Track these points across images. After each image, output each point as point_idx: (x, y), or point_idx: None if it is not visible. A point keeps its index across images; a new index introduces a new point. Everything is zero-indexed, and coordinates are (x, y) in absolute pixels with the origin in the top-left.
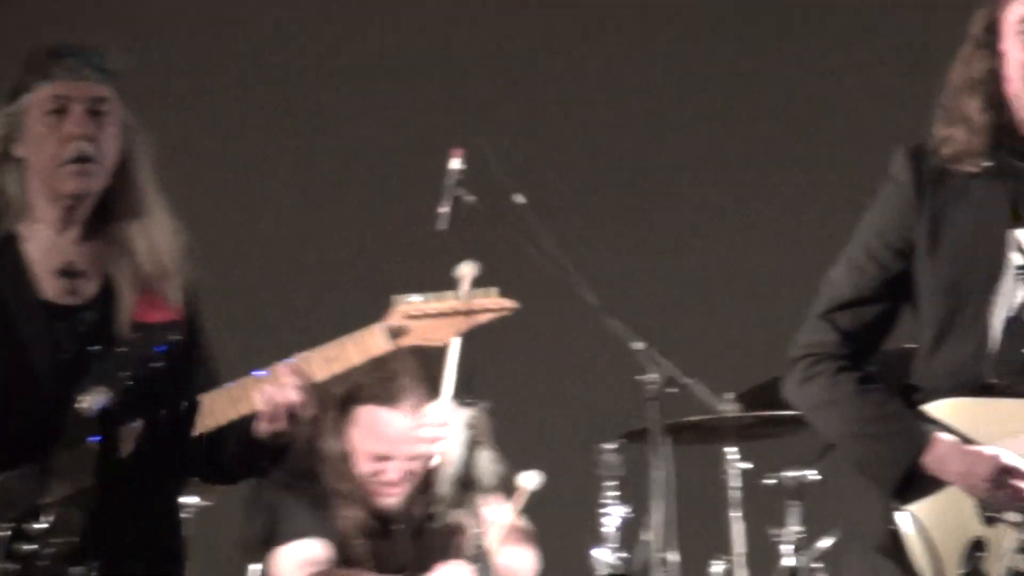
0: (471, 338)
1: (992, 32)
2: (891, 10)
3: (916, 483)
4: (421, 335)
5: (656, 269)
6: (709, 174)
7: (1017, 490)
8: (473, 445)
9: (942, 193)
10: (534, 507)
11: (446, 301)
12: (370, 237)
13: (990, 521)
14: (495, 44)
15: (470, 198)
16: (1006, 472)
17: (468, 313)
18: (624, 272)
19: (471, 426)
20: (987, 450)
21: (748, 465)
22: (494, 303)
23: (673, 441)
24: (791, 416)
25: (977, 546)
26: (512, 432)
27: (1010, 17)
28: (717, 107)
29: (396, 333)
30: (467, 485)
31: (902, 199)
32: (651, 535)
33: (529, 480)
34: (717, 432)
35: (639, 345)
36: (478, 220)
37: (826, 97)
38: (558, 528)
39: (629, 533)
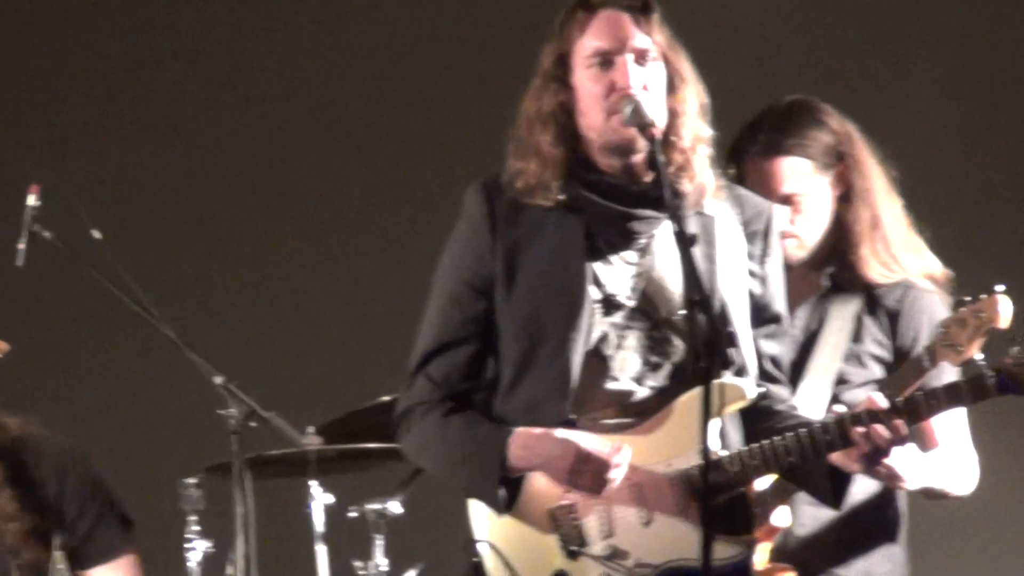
0: None
1: (562, 66)
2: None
3: (520, 496)
4: None
5: (234, 302)
6: (291, 210)
7: (594, 476)
8: None
9: (517, 229)
10: None
11: None
12: None
13: (573, 555)
14: (76, 75)
15: (47, 234)
16: (581, 458)
17: None
18: (203, 306)
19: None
20: (562, 434)
21: (331, 498)
22: None
23: (255, 475)
24: (373, 449)
25: None
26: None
27: (581, 52)
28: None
29: None
30: None
31: (477, 237)
32: (234, 570)
33: None
34: (299, 465)
35: (218, 379)
36: (56, 256)
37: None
38: (144, 563)
39: (213, 568)
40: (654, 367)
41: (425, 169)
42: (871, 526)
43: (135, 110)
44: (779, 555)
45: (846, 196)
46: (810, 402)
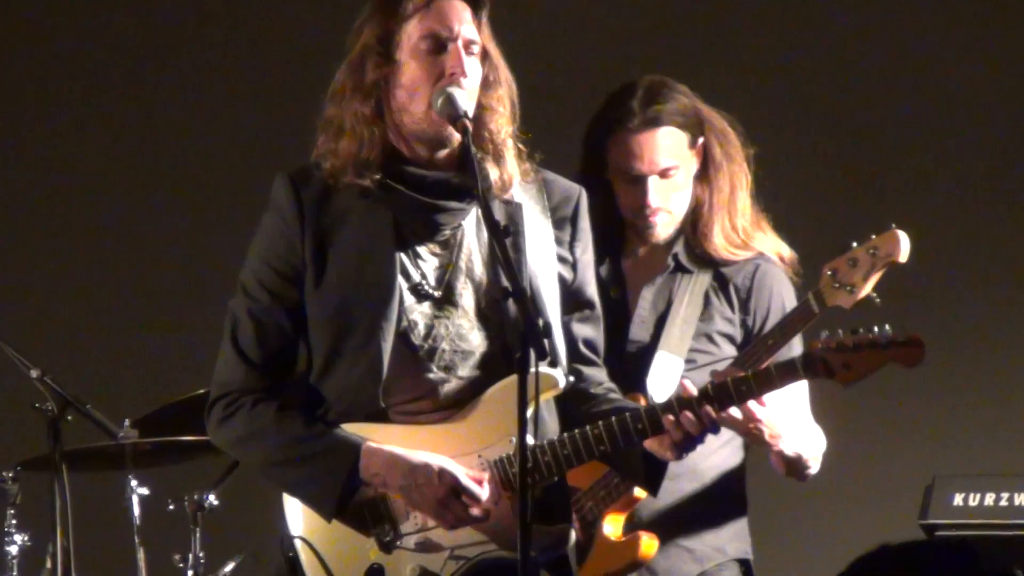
0: None
1: (387, 43)
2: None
3: (355, 501)
4: None
5: (51, 292)
6: (113, 198)
7: (462, 510)
8: None
9: (325, 217)
10: None
11: None
12: None
13: (387, 548)
14: None
15: None
16: (455, 493)
17: None
18: (18, 296)
19: None
20: (431, 459)
21: (146, 491)
22: None
23: (73, 468)
24: (189, 442)
25: (376, 572)
26: None
27: (411, 30)
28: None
29: None
30: None
31: (285, 225)
32: (52, 563)
33: None
34: (116, 458)
35: (34, 372)
36: None
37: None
38: None
39: (30, 561)
40: (464, 356)
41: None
42: (723, 501)
43: None
44: (634, 527)
45: (702, 171)
46: (662, 383)
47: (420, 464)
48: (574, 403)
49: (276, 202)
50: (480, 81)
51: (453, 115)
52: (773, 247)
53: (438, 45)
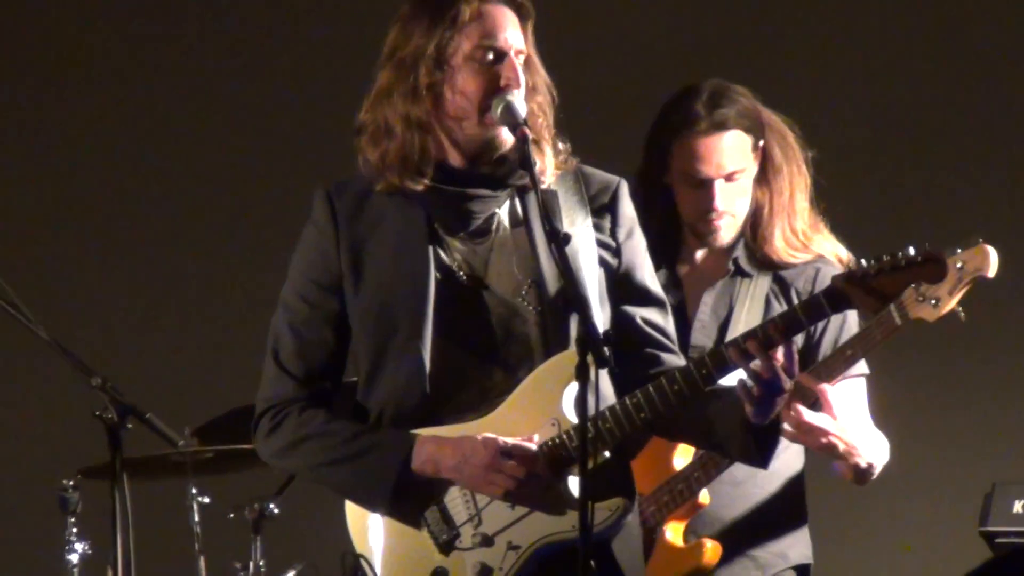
0: None
1: (440, 49)
2: None
3: (410, 492)
4: None
5: (111, 302)
6: (169, 209)
7: (514, 468)
8: None
9: (360, 224)
10: None
11: None
12: None
13: (446, 549)
14: None
15: None
16: (504, 453)
17: None
18: (79, 306)
19: None
20: (478, 436)
21: (207, 500)
22: None
23: (133, 476)
24: (249, 450)
25: (441, 574)
26: None
27: (465, 38)
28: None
29: None
30: None
31: (321, 236)
32: (113, 571)
33: None
34: (177, 467)
35: (95, 380)
36: None
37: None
38: (19, 566)
39: (91, 570)
40: (503, 345)
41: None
42: (786, 507)
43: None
44: (696, 534)
45: (761, 173)
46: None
47: (465, 439)
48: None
49: (314, 216)
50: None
51: (513, 123)
52: (832, 249)
53: (494, 54)
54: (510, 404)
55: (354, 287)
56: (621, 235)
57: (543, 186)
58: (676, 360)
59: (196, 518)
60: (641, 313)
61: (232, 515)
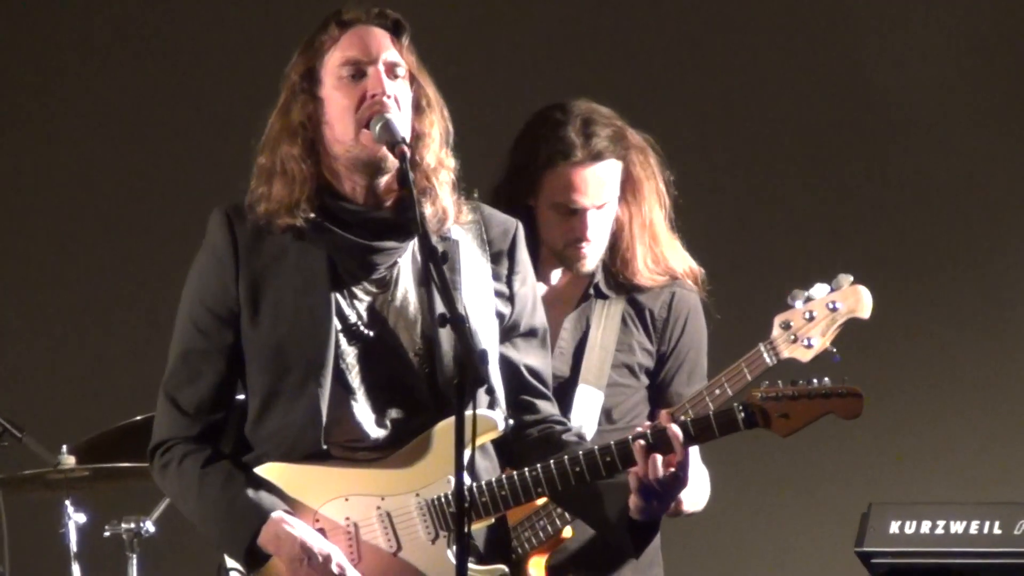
0: None
1: (311, 79)
2: None
3: (260, 555)
4: None
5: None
6: (46, 218)
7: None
8: None
9: (261, 257)
10: None
11: None
12: None
13: None
14: None
15: None
16: (307, 552)
17: None
18: None
19: None
20: (295, 531)
21: (83, 517)
22: None
23: (9, 493)
24: (127, 468)
25: None
26: None
27: (332, 63)
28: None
29: None
30: None
31: (220, 265)
32: None
33: None
34: (54, 484)
35: None
36: None
37: None
38: None
39: None
40: (401, 396)
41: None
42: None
43: None
44: (556, 567)
45: (622, 194)
46: (585, 418)
47: (308, 544)
48: (527, 443)
49: (211, 240)
50: (411, 106)
51: (391, 141)
52: (686, 265)
53: (358, 71)
54: (406, 455)
55: (251, 320)
56: (516, 283)
57: (443, 231)
58: (550, 407)
59: (73, 536)
60: (525, 361)
61: (107, 533)
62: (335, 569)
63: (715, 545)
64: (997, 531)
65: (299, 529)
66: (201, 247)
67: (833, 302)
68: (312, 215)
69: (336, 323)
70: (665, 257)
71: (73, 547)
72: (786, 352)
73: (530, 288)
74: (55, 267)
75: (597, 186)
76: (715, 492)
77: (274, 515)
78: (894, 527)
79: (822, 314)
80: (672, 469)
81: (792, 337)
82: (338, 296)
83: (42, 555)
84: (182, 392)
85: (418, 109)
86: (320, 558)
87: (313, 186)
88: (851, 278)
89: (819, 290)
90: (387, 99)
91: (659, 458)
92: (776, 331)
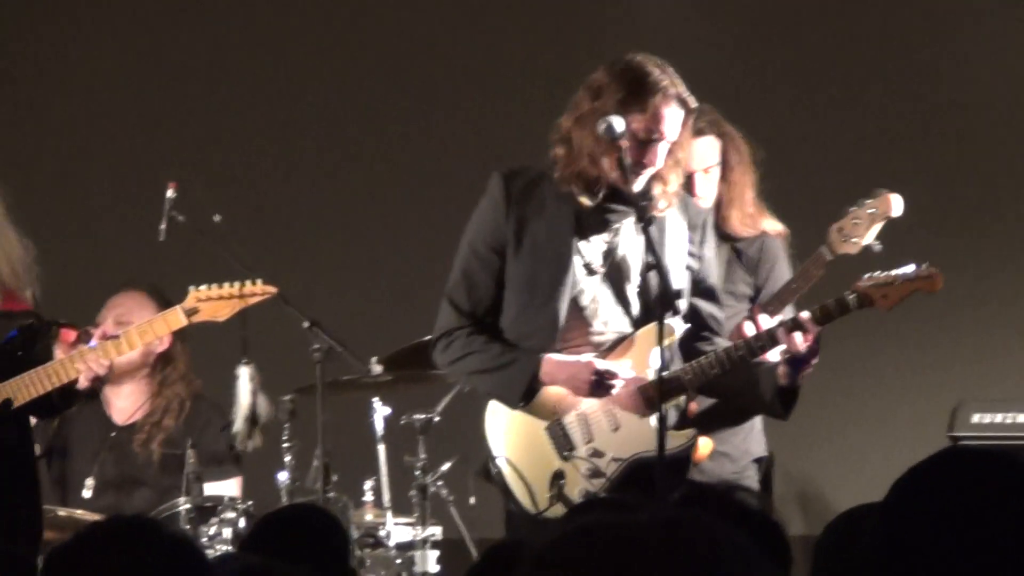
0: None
1: (622, 109)
2: None
3: (536, 395)
4: (209, 313)
5: (319, 266)
6: (366, 192)
7: (610, 385)
8: (255, 392)
9: (526, 208)
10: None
11: (224, 288)
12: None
13: (565, 458)
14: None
15: (181, 217)
16: (600, 374)
17: (242, 297)
18: (293, 269)
19: (252, 378)
20: (583, 358)
21: (388, 410)
22: (260, 289)
23: (333, 393)
24: (419, 374)
25: (559, 475)
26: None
27: (639, 121)
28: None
29: (191, 312)
30: (253, 421)
31: (495, 211)
32: (318, 462)
33: None
34: (365, 386)
35: (306, 323)
36: (187, 234)
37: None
38: (254, 459)
39: (304, 460)
40: (617, 316)
41: (454, 164)
42: (739, 415)
43: (244, 125)
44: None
45: (722, 171)
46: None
47: (574, 361)
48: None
49: (491, 192)
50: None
51: (611, 137)
52: (771, 226)
53: (651, 139)
54: (620, 355)
55: (515, 252)
56: (705, 249)
57: (661, 212)
58: (723, 342)
59: (379, 424)
60: (706, 308)
61: (404, 421)
62: (600, 367)
63: (819, 433)
64: None
65: (567, 359)
66: (482, 198)
67: (872, 207)
68: (598, 197)
69: (577, 261)
70: (754, 218)
71: (379, 432)
72: (841, 249)
73: (713, 256)
74: (365, 230)
75: (703, 156)
76: (831, 391)
77: (545, 356)
78: (976, 418)
79: (864, 218)
80: (808, 343)
81: (843, 238)
82: (579, 242)
83: (356, 439)
84: (462, 298)
85: (671, 151)
86: (584, 361)
87: (595, 181)
88: (885, 190)
89: (862, 202)
90: (652, 167)
91: (798, 335)
92: (832, 235)
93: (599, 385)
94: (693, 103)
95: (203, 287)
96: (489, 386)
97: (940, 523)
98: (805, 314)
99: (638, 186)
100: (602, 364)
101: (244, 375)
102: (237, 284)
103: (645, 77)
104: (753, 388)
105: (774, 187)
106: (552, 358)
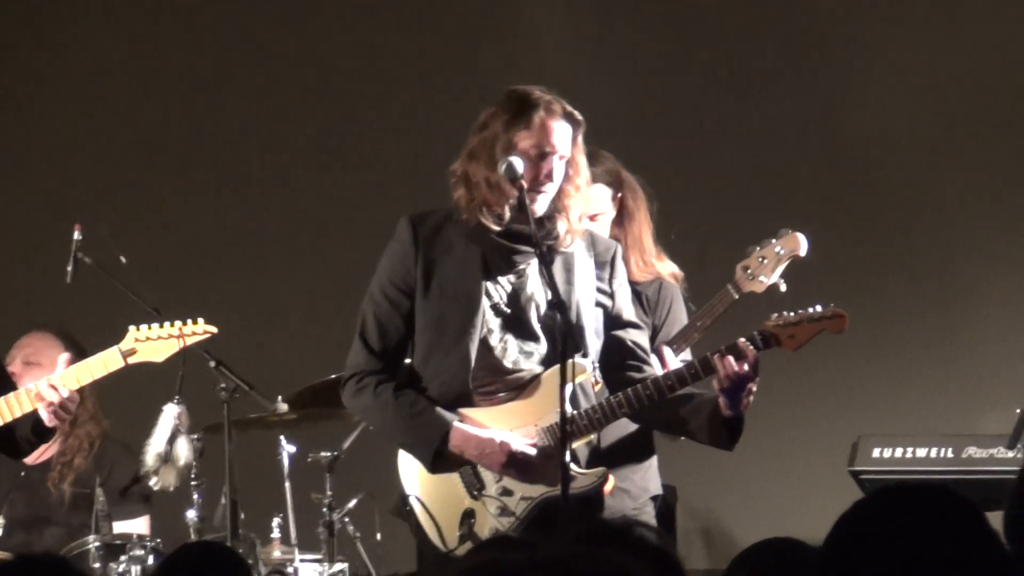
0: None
1: (508, 141)
2: None
3: (446, 458)
4: (147, 354)
5: (225, 304)
6: (269, 224)
7: (523, 464)
8: (176, 432)
9: (434, 249)
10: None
11: (164, 328)
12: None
13: (475, 497)
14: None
15: (88, 259)
16: (512, 456)
17: (181, 337)
18: (199, 307)
19: (177, 417)
20: (496, 435)
21: (294, 447)
22: (201, 330)
23: (239, 432)
24: (324, 411)
25: (468, 514)
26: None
27: (529, 139)
28: None
29: (128, 353)
30: (165, 459)
31: (404, 254)
32: (225, 499)
33: None
34: (272, 424)
35: (212, 362)
36: (94, 275)
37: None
38: (162, 497)
39: (212, 498)
40: (526, 355)
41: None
42: (639, 450)
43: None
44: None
45: (619, 217)
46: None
47: (487, 439)
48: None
49: (399, 235)
50: (563, 176)
51: (512, 177)
52: (668, 268)
53: (542, 155)
54: (527, 397)
55: (423, 293)
56: (615, 284)
57: (567, 247)
58: (651, 370)
59: (285, 461)
60: (629, 336)
61: (311, 459)
62: (514, 448)
63: (731, 466)
64: (950, 455)
65: (477, 430)
66: (390, 242)
67: (779, 247)
68: (499, 227)
69: (485, 301)
70: (651, 262)
71: (286, 469)
72: (747, 287)
73: (626, 289)
74: (273, 266)
75: (589, 204)
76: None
77: (455, 423)
78: (876, 452)
79: (770, 257)
80: (745, 366)
81: (749, 276)
82: (487, 283)
83: (262, 476)
84: (373, 340)
85: (567, 176)
86: (498, 441)
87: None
88: (791, 229)
89: (768, 241)
90: (550, 182)
91: (732, 359)
92: (738, 273)
93: (511, 465)
94: (579, 117)
95: (143, 326)
96: (400, 442)
97: (881, 561)
98: (742, 339)
99: (542, 207)
100: (517, 445)
101: (168, 413)
102: (178, 324)
103: (528, 96)
104: (692, 419)
105: (678, 226)
106: (461, 429)
